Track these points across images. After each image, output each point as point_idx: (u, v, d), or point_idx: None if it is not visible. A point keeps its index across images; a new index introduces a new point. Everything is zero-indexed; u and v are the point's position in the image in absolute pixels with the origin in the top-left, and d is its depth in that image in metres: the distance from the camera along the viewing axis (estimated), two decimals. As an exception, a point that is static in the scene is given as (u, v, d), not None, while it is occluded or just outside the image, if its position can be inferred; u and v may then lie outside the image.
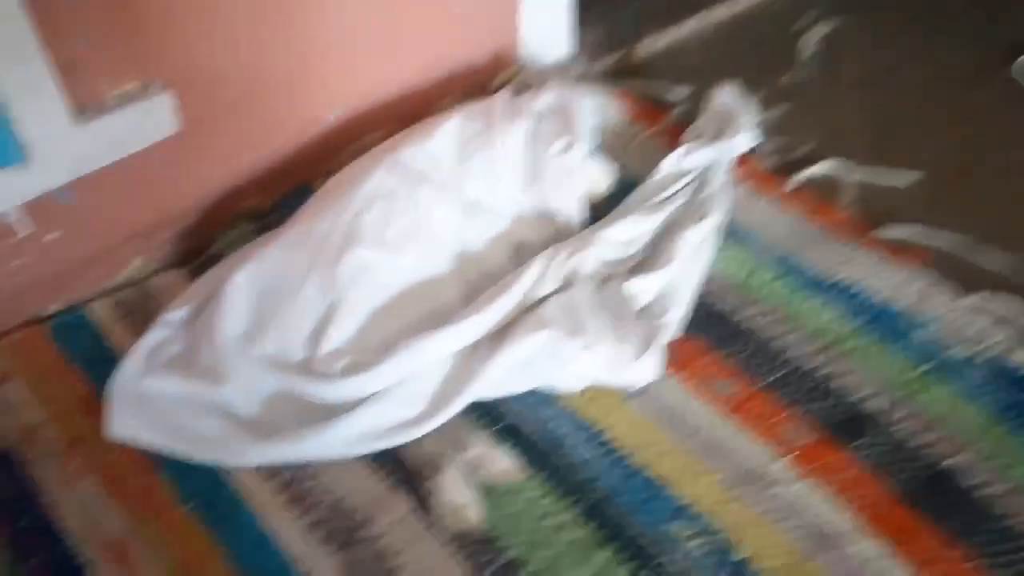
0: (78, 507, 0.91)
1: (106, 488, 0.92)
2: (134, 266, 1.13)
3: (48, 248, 1.06)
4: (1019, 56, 1.46)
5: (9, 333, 1.07)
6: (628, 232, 1.09)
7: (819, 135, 1.32)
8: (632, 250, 1.09)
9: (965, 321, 1.05)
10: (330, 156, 1.23)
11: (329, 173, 1.14)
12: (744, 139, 1.21)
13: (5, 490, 0.93)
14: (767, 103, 1.36)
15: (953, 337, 1.04)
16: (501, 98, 1.18)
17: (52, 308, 1.09)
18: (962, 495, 0.90)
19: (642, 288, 1.04)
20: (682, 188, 1.17)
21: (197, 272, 1.10)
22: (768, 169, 1.26)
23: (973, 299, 1.07)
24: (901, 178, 1.25)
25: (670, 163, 1.18)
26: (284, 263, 1.01)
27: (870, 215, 1.19)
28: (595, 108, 1.21)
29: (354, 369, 0.93)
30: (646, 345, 0.97)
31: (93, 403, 0.98)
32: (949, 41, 1.52)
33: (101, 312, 1.09)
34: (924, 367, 1.01)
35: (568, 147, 1.12)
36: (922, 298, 1.08)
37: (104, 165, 1.03)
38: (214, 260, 1.11)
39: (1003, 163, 1.29)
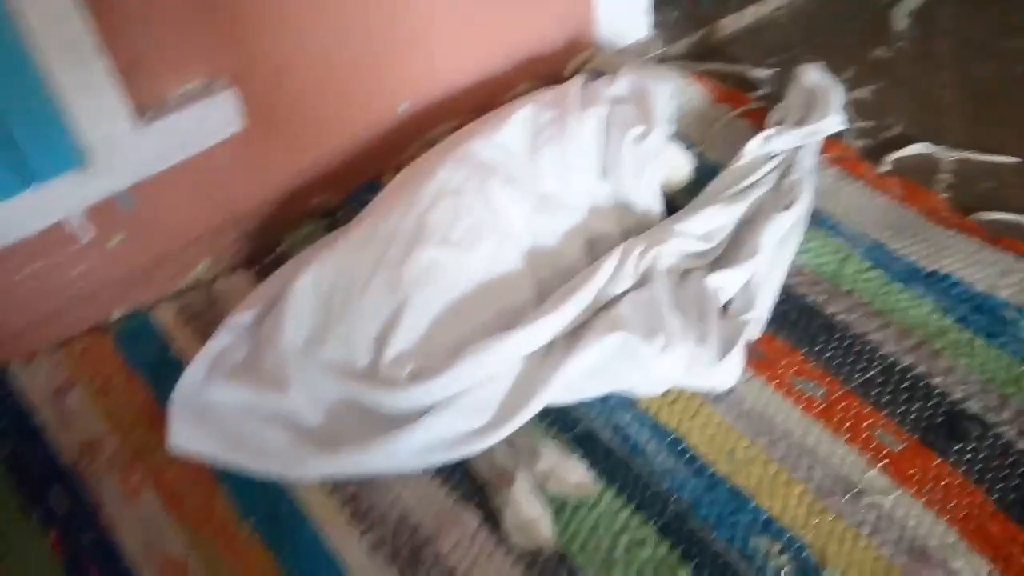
0: (138, 524, 0.90)
1: (166, 504, 0.91)
2: (200, 269, 1.12)
3: (111, 253, 1.05)
4: None
5: (73, 340, 1.06)
6: (709, 223, 1.03)
7: (912, 115, 1.24)
8: (714, 243, 1.03)
9: (1076, 313, 0.97)
10: (400, 149, 1.20)
11: (399, 167, 1.11)
12: (832, 120, 1.13)
13: (66, 505, 0.92)
14: (856, 82, 1.28)
15: (1063, 331, 0.96)
16: (575, 85, 1.12)
17: (116, 314, 1.09)
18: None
19: (724, 283, 0.98)
20: (767, 174, 1.10)
21: (264, 273, 1.08)
22: (858, 152, 1.19)
23: (1083, 289, 0.99)
24: (1001, 159, 1.16)
25: (754, 147, 1.12)
26: (349, 264, 0.97)
27: (968, 199, 1.11)
28: (673, 92, 1.15)
29: (420, 376, 0.90)
30: (729, 345, 0.92)
31: (155, 413, 0.96)
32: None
33: (166, 317, 1.08)
34: (1032, 364, 0.94)
35: (645, 134, 1.06)
36: (1025, 288, 1.00)
37: (167, 167, 1.01)
38: (281, 260, 1.08)
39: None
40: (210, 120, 1.02)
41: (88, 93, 0.92)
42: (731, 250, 1.03)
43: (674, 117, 1.15)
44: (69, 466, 0.95)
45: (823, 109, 1.14)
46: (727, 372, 0.92)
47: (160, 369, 1.01)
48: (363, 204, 1.09)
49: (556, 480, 0.87)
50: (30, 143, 0.92)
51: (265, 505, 0.90)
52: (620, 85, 1.12)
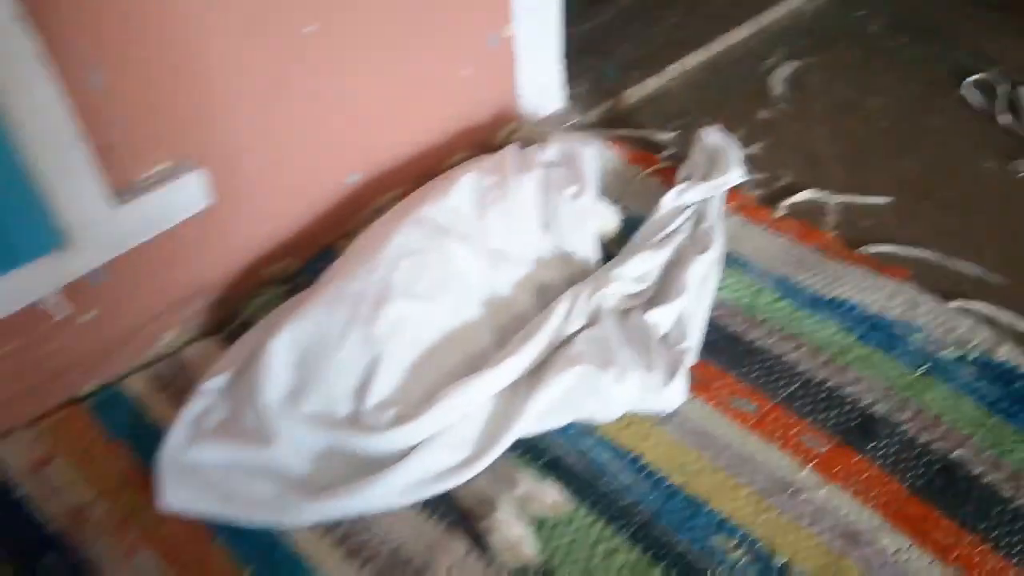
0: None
1: (163, 559, 0.95)
2: (168, 339, 1.17)
3: (84, 328, 1.09)
4: (964, 79, 1.59)
5: (49, 415, 1.09)
6: (641, 268, 1.16)
7: (798, 166, 1.42)
8: (646, 284, 1.16)
9: (951, 324, 1.14)
10: (350, 217, 1.29)
11: (350, 234, 1.20)
12: (734, 174, 1.29)
13: (62, 571, 0.94)
14: (747, 139, 1.46)
15: (942, 340, 1.12)
16: (510, 152, 1.25)
17: (89, 386, 1.12)
18: (970, 484, 0.98)
19: (661, 318, 1.10)
20: (683, 223, 1.24)
21: (230, 339, 1.14)
22: (756, 200, 1.35)
23: (956, 304, 1.17)
24: (876, 200, 1.35)
25: (669, 200, 1.26)
26: (322, 323, 1.05)
27: (853, 235, 1.29)
28: (597, 155, 1.29)
29: (400, 420, 0.98)
30: (673, 371, 1.04)
31: (140, 477, 1.00)
32: (903, 72, 1.65)
33: (139, 386, 1.12)
34: (920, 370, 1.09)
35: (579, 192, 1.19)
36: (909, 307, 1.16)
37: (140, 243, 1.07)
38: (246, 326, 1.15)
39: (966, 175, 1.40)
40: (180, 199, 1.09)
41: (68, 177, 0.98)
42: (661, 290, 1.16)
43: (598, 177, 1.29)
44: (59, 533, 0.97)
45: (725, 164, 1.30)
46: (674, 394, 1.04)
47: (139, 436, 1.06)
48: (319, 269, 1.17)
49: (534, 502, 0.96)
50: (13, 227, 0.97)
51: (261, 553, 0.95)
52: (551, 150, 1.26)
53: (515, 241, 1.16)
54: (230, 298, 1.21)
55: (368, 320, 1.04)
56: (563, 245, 1.18)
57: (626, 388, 1.02)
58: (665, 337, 1.11)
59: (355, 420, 1.01)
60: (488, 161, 1.23)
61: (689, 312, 1.13)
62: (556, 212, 1.18)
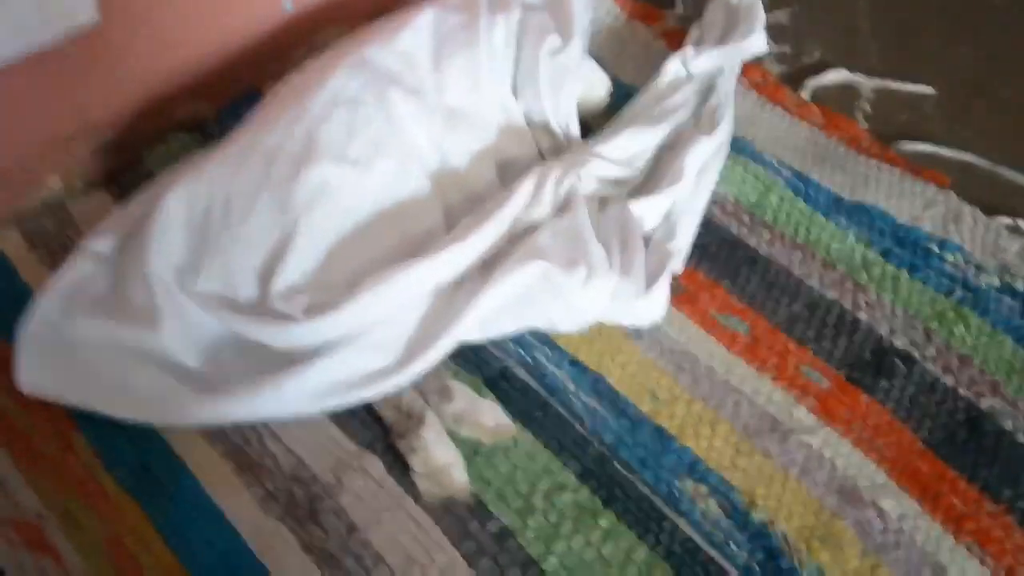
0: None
1: (16, 460, 0.78)
2: (49, 187, 0.96)
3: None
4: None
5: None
6: (629, 147, 0.96)
7: (830, 40, 1.18)
8: (634, 168, 0.96)
9: (996, 245, 0.95)
10: (283, 55, 1.06)
11: (282, 75, 0.98)
12: (755, 40, 1.07)
13: None
14: (773, 4, 1.21)
15: (983, 263, 0.93)
16: None
17: (-49, 238, 0.92)
18: (997, 442, 0.81)
19: (647, 211, 0.91)
20: (686, 97, 1.03)
21: (125, 193, 0.94)
22: (778, 77, 1.13)
23: (1003, 220, 0.97)
24: (920, 89, 1.13)
25: (673, 68, 1.04)
26: (226, 183, 0.85)
27: (888, 130, 1.07)
28: (588, 2, 1.05)
29: (316, 310, 0.79)
30: (654, 277, 0.85)
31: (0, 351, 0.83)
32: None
33: (10, 242, 0.93)
34: (952, 297, 0.91)
35: (562, 47, 0.95)
36: (948, 220, 0.97)
37: (5, 62, 0.85)
38: (145, 178, 0.95)
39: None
40: (53, 6, 0.86)
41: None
42: (652, 176, 0.96)
43: (589, 32, 1.06)
44: None
45: (745, 28, 1.08)
46: (653, 306, 0.85)
47: (4, 301, 0.87)
48: (241, 116, 0.95)
49: (469, 423, 0.79)
50: None
51: (133, 455, 0.78)
52: None
53: (477, 100, 0.94)
54: (127, 143, 0.99)
55: (284, 183, 0.84)
56: (538, 111, 0.96)
57: (595, 293, 0.83)
58: (649, 235, 0.91)
59: (260, 305, 0.82)
60: None
61: (682, 206, 0.93)
62: (532, 68, 0.95)
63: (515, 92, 0.95)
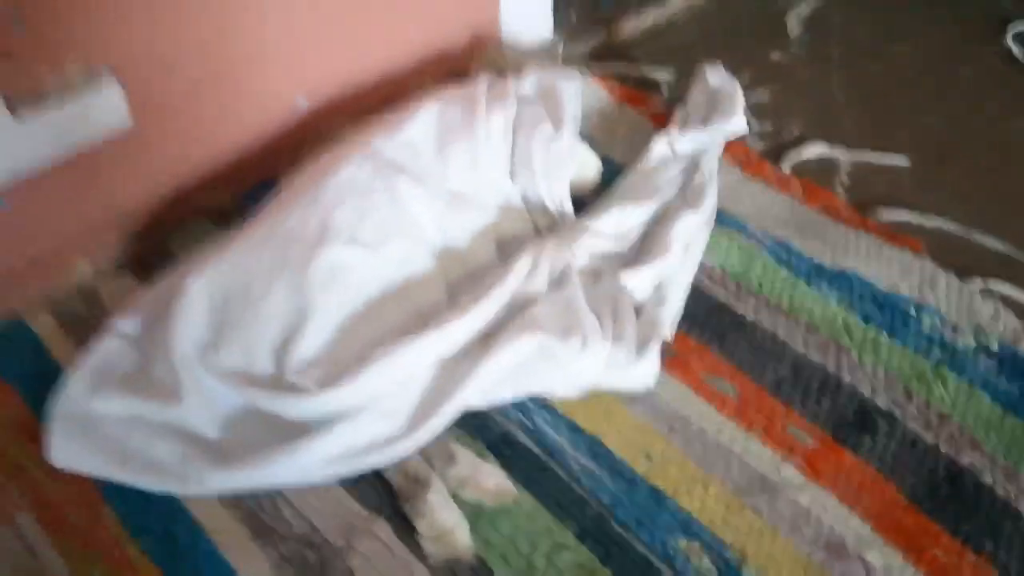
0: (15, 546, 0.82)
1: (42, 525, 0.83)
2: (79, 272, 1.03)
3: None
4: (1009, 24, 1.41)
5: (-59, 349, 0.96)
6: (621, 223, 1.02)
7: (809, 116, 1.26)
8: (625, 243, 1.02)
9: (970, 307, 1.00)
10: (296, 148, 1.13)
11: (296, 167, 1.05)
12: (735, 122, 1.14)
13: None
14: (754, 83, 1.29)
15: (959, 325, 0.98)
16: (481, 83, 1.09)
17: (-11, 321, 0.99)
18: (979, 496, 0.85)
19: (637, 281, 0.97)
20: (673, 175, 1.10)
21: (150, 276, 1.00)
22: (759, 153, 1.20)
23: (976, 284, 1.02)
24: (893, 159, 1.19)
25: (660, 148, 1.11)
26: (246, 265, 0.91)
27: (865, 199, 1.14)
28: (579, 91, 1.13)
29: (328, 381, 0.85)
30: (645, 344, 0.90)
31: (30, 427, 0.88)
32: (935, 14, 1.46)
33: (43, 323, 0.99)
34: (931, 358, 0.95)
35: (556, 134, 1.03)
36: (923, 285, 1.02)
37: (44, 164, 0.93)
38: (169, 262, 1.01)
39: (997, 138, 1.24)
40: (91, 113, 0.95)
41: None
42: (641, 249, 1.02)
43: (580, 116, 1.14)
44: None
45: (727, 110, 1.15)
46: (645, 372, 0.90)
47: (36, 380, 0.93)
48: (257, 203, 1.03)
49: (473, 486, 0.84)
50: None
51: (157, 523, 0.83)
52: (527, 83, 1.10)
53: (478, 184, 1.01)
54: (153, 230, 1.07)
55: (300, 265, 0.90)
56: (533, 193, 1.03)
57: (590, 360, 0.88)
58: (640, 304, 0.97)
59: (277, 379, 0.87)
60: (455, 91, 1.06)
61: (670, 276, 0.99)
62: (527, 154, 1.03)
63: (512, 176, 1.03)
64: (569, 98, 1.07)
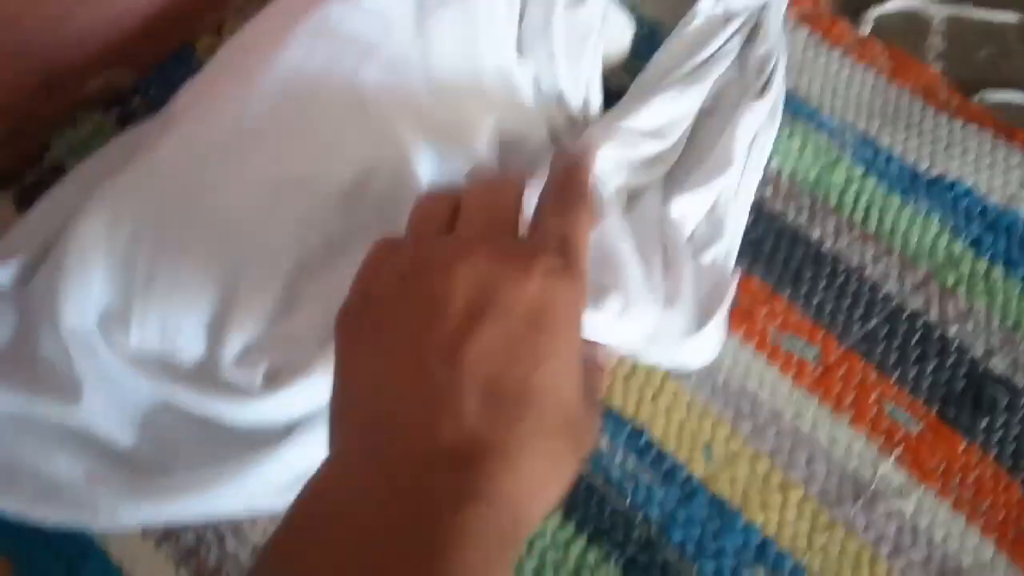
0: None
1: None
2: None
3: None
4: None
5: None
6: (661, 115, 0.76)
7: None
8: (667, 143, 0.76)
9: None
10: (220, 3, 0.83)
11: (220, 31, 0.76)
12: None
13: None
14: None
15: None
16: None
17: None
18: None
19: (689, 210, 0.72)
20: (725, 42, 0.82)
21: (29, 196, 0.74)
22: (830, 5, 0.92)
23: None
24: (999, 18, 0.92)
25: (707, 4, 0.83)
26: (155, 197, 0.65)
27: (966, 72, 0.88)
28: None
29: (280, 377, 0.61)
30: (710, 308, 0.67)
31: None
32: None
33: None
34: (1060, 300, 0.75)
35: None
36: (1048, 197, 0.80)
37: None
38: (53, 176, 0.74)
39: None
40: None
41: None
42: (690, 155, 0.77)
43: None
44: None
45: None
46: (707, 344, 0.68)
47: None
48: (171, 85, 0.75)
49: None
50: None
51: (61, 570, 0.62)
52: None
53: (473, 69, 0.72)
54: (30, 129, 0.77)
55: (231, 194, 0.64)
56: (548, 80, 0.74)
57: (633, 331, 0.65)
58: (690, 238, 0.73)
59: (210, 371, 0.63)
60: None
61: (728, 193, 0.75)
62: (543, 26, 0.73)
63: (520, 55, 0.74)
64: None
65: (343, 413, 0.49)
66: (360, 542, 0.42)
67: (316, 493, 0.46)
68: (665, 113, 0.76)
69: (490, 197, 0.56)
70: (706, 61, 0.81)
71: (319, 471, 0.47)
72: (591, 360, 0.61)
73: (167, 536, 0.63)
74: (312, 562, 0.42)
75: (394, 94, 0.70)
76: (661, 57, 0.82)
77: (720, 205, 0.74)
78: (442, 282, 0.48)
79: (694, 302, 0.67)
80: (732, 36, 0.83)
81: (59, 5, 0.74)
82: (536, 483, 0.45)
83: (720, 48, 0.82)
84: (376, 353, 0.49)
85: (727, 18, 0.84)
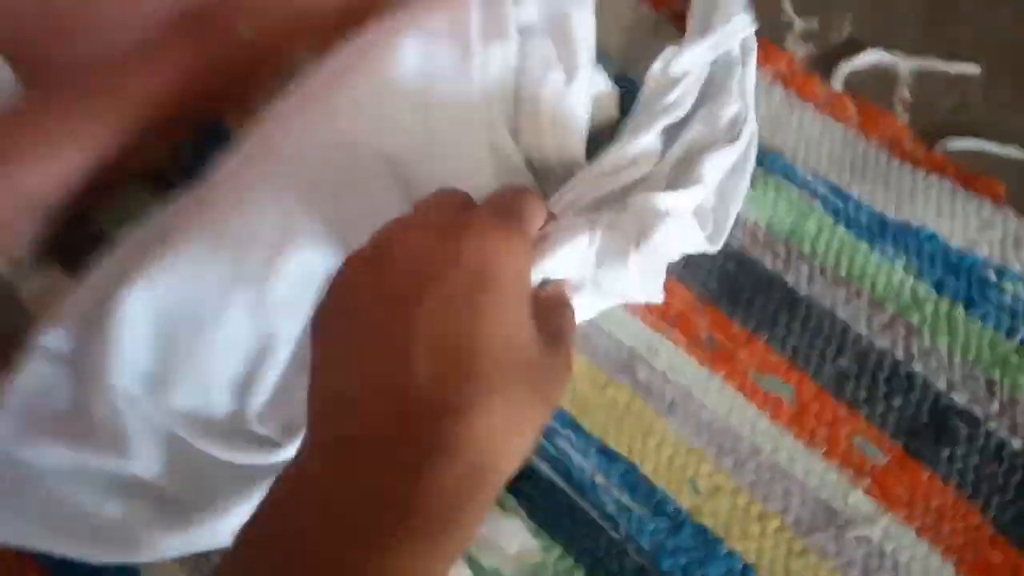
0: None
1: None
2: (-8, 268, 0.84)
3: None
4: None
5: None
6: (631, 149, 0.79)
7: (860, 10, 1.04)
8: (643, 169, 0.79)
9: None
10: (243, 77, 0.90)
11: (245, 105, 0.84)
12: (739, 20, 0.87)
13: None
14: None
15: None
16: (472, 5, 0.79)
17: None
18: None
19: (672, 204, 0.74)
20: (682, 94, 0.85)
21: (79, 267, 0.82)
22: (803, 63, 0.99)
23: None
24: (962, 70, 0.99)
25: (656, 71, 0.86)
26: (194, 276, 0.73)
27: (930, 122, 0.94)
28: (591, 22, 0.83)
29: (295, 431, 0.69)
30: (643, 230, 0.70)
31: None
32: None
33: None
34: (1017, 337, 0.81)
35: (568, 80, 0.81)
36: (1007, 243, 0.85)
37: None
38: (99, 247, 0.82)
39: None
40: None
41: None
42: (669, 183, 0.81)
43: (594, 54, 0.87)
44: None
45: (726, 8, 0.88)
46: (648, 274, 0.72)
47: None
48: (205, 156, 0.83)
49: (490, 549, 0.70)
50: None
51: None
52: (530, 8, 0.82)
53: (470, 151, 0.79)
54: (75, 207, 0.86)
55: (260, 277, 0.72)
56: (538, 157, 0.81)
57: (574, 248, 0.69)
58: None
59: (238, 423, 0.71)
60: (434, 16, 0.79)
61: (712, 204, 0.81)
62: (533, 113, 0.79)
63: (515, 136, 0.81)
64: (582, 31, 0.82)
65: (312, 402, 0.54)
66: (324, 516, 0.45)
67: (285, 478, 0.51)
68: (634, 146, 0.79)
69: (444, 195, 0.62)
70: (664, 107, 0.84)
71: (292, 459, 0.52)
72: (555, 299, 0.66)
73: (198, 563, 0.71)
74: (279, 531, 0.47)
75: (399, 185, 0.77)
76: (626, 125, 0.85)
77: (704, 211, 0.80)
78: (390, 263, 0.53)
79: (630, 226, 0.71)
80: (686, 89, 0.85)
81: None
82: (498, 432, 0.48)
83: (673, 98, 0.84)
84: (340, 340, 0.53)
85: (674, 81, 0.86)
